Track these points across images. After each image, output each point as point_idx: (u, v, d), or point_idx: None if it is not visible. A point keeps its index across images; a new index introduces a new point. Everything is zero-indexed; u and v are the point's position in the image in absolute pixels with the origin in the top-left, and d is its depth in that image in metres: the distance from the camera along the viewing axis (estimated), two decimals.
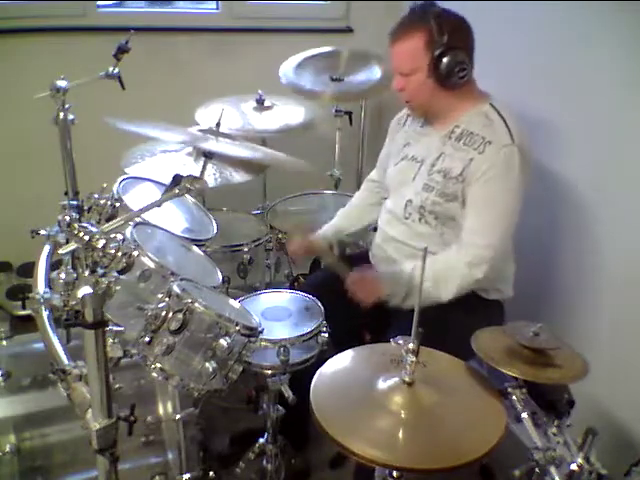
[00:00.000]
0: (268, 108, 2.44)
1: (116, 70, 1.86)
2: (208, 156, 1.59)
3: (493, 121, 1.70)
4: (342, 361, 1.30)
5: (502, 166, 1.66)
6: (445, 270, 1.70)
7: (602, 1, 1.78)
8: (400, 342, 1.25)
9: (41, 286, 1.43)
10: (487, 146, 1.67)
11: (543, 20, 2.05)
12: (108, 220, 1.56)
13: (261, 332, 1.42)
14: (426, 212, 1.78)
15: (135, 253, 1.31)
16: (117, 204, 1.61)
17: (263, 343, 1.50)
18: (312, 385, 1.19)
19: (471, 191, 1.70)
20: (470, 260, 1.69)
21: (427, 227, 1.79)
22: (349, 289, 1.75)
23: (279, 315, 1.68)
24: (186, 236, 1.70)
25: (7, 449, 1.39)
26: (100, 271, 1.02)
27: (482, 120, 1.72)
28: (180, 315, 1.26)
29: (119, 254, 1.05)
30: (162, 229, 1.62)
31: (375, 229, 2.10)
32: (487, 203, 1.69)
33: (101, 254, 1.02)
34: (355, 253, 2.40)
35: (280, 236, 2.36)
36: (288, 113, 2.45)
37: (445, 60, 1.65)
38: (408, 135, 1.91)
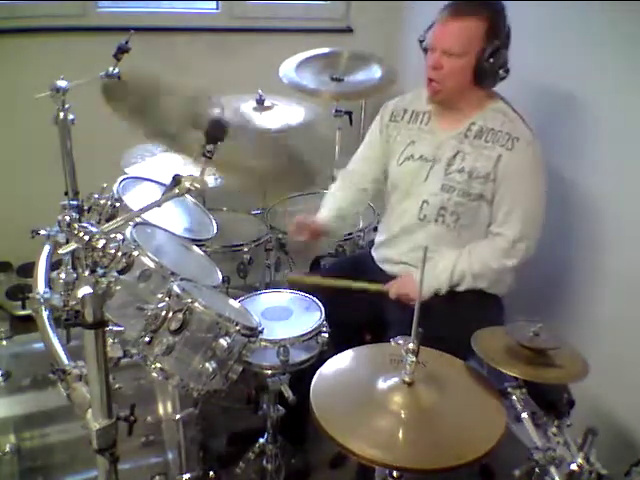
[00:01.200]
0: (268, 108, 2.44)
1: (116, 70, 1.86)
2: (208, 156, 1.59)
3: (511, 118, 1.71)
4: (342, 361, 1.30)
5: (532, 161, 1.70)
6: (482, 264, 1.75)
7: (604, 1, 1.78)
8: (400, 342, 1.25)
9: (41, 286, 1.43)
10: (515, 142, 1.68)
11: (545, 19, 2.05)
12: (108, 220, 1.56)
13: (261, 332, 1.42)
14: (447, 213, 1.77)
15: (135, 253, 1.31)
16: (117, 204, 1.61)
17: (263, 343, 1.50)
18: (312, 385, 1.19)
19: (504, 187, 1.71)
20: (506, 249, 1.73)
21: (443, 228, 1.79)
22: (395, 298, 1.77)
23: (279, 315, 1.68)
24: (186, 236, 1.70)
25: (7, 449, 1.38)
26: (100, 271, 1.02)
27: (500, 117, 1.72)
28: (180, 315, 1.26)
29: (119, 254, 1.04)
30: (162, 229, 1.62)
31: (375, 229, 2.11)
32: (522, 198, 1.72)
33: (101, 254, 1.02)
34: (355, 253, 2.40)
35: (280, 236, 2.37)
36: (288, 113, 2.45)
37: (494, 57, 1.64)
38: (412, 133, 1.87)
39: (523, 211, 1.72)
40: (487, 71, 1.65)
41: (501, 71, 1.67)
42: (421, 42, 1.77)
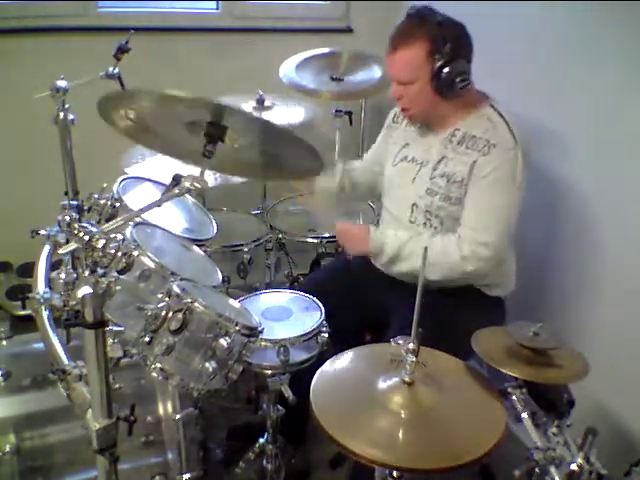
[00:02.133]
0: (268, 108, 2.44)
1: (116, 70, 1.86)
2: (208, 156, 1.59)
3: (495, 123, 1.70)
4: (342, 361, 1.30)
5: (506, 169, 1.66)
6: (439, 255, 1.71)
7: (603, 1, 1.78)
8: (400, 342, 1.25)
9: (41, 286, 1.42)
10: (492, 148, 1.67)
11: (542, 20, 2.05)
12: (108, 220, 1.56)
13: (261, 332, 1.42)
14: (432, 216, 1.78)
15: (135, 253, 1.30)
16: (117, 204, 1.61)
17: (263, 343, 1.50)
18: (312, 385, 1.19)
19: (473, 189, 1.70)
20: (466, 255, 1.70)
21: (431, 231, 1.79)
22: (337, 237, 1.82)
23: (279, 315, 1.68)
24: (186, 236, 1.70)
25: (7, 449, 1.38)
26: (100, 271, 1.02)
27: (484, 123, 1.71)
28: (180, 315, 1.26)
29: (119, 254, 1.04)
30: (162, 229, 1.62)
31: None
32: (489, 204, 1.70)
33: (101, 254, 1.02)
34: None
35: (280, 236, 2.37)
36: (288, 113, 2.45)
37: (446, 70, 1.64)
38: (407, 135, 1.90)
39: (487, 220, 1.70)
40: (444, 85, 1.67)
41: (457, 81, 1.66)
42: None
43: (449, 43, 1.63)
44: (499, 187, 1.68)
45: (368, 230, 1.82)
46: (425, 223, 1.80)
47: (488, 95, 1.78)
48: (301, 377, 1.46)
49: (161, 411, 1.52)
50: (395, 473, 1.20)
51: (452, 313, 1.69)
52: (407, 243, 1.76)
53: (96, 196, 1.63)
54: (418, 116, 1.81)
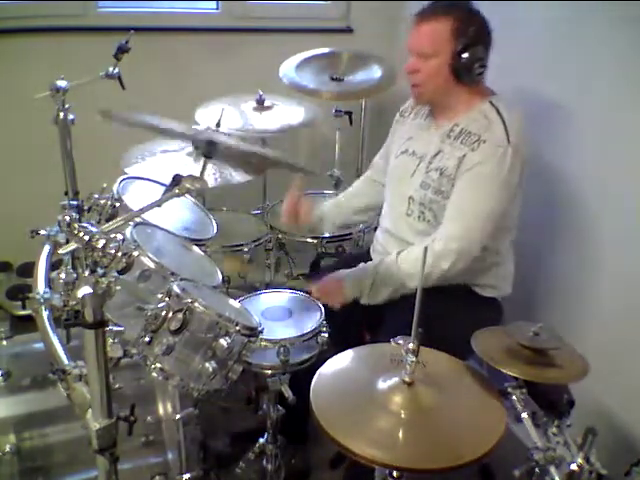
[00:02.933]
0: (268, 108, 2.44)
1: (116, 70, 1.86)
2: (208, 156, 1.59)
3: (491, 120, 1.70)
4: (342, 361, 1.30)
5: (492, 164, 1.66)
6: (414, 261, 1.70)
7: (605, 1, 1.78)
8: (400, 342, 1.25)
9: (41, 286, 1.42)
10: (481, 144, 1.68)
11: (544, 18, 2.05)
12: (108, 220, 1.56)
13: (261, 332, 1.42)
14: (426, 209, 1.79)
15: (135, 253, 1.30)
16: (117, 204, 1.61)
17: (263, 343, 1.50)
18: (312, 385, 1.19)
19: (457, 183, 1.70)
20: (438, 251, 1.68)
21: (426, 224, 1.80)
22: (316, 298, 1.75)
23: (279, 315, 1.68)
24: (186, 236, 1.70)
25: (7, 449, 1.39)
26: (100, 271, 1.02)
27: (481, 119, 1.72)
28: (180, 315, 1.26)
29: (119, 254, 1.04)
30: (162, 229, 1.61)
31: (376, 229, 2.10)
32: (469, 198, 1.69)
33: (101, 254, 1.02)
34: (355, 253, 2.40)
35: (280, 236, 2.37)
36: (288, 113, 2.45)
37: (467, 53, 1.66)
38: (411, 128, 1.91)
39: (464, 216, 1.69)
40: (463, 68, 1.68)
41: (476, 66, 1.68)
42: None
43: (473, 27, 1.66)
44: (479, 182, 1.67)
45: (341, 279, 1.79)
46: (419, 216, 1.80)
47: (493, 91, 1.78)
48: (301, 377, 1.46)
49: (161, 411, 1.52)
50: (395, 473, 1.20)
51: (442, 312, 1.69)
52: (378, 271, 1.76)
53: (96, 196, 1.63)
54: (427, 95, 1.79)
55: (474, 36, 1.66)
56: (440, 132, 1.79)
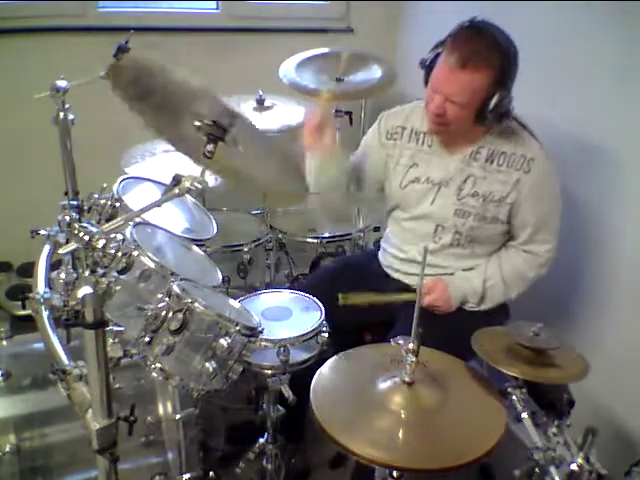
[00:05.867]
0: (268, 108, 2.44)
1: None
2: (208, 156, 1.59)
3: (522, 135, 1.69)
4: (342, 361, 1.30)
5: (550, 178, 1.70)
6: (515, 274, 1.77)
7: (602, 1, 1.78)
8: (400, 342, 1.25)
9: (41, 286, 1.42)
10: (531, 163, 1.66)
11: (542, 20, 2.05)
12: (108, 220, 1.56)
13: (261, 332, 1.42)
14: (462, 237, 1.76)
15: (135, 253, 1.31)
16: (117, 204, 1.61)
17: (263, 343, 1.50)
18: (312, 385, 1.19)
19: (526, 207, 1.70)
20: (543, 262, 1.77)
21: (460, 249, 1.79)
22: (429, 308, 1.74)
23: (279, 315, 1.68)
24: (186, 236, 1.70)
25: (7, 449, 1.38)
26: (100, 271, 1.02)
27: (511, 136, 1.69)
28: (180, 315, 1.26)
29: (119, 254, 1.05)
30: (162, 229, 1.61)
31: (376, 229, 2.10)
32: (546, 210, 1.73)
33: (101, 254, 1.02)
34: (356, 254, 2.41)
35: (280, 236, 2.37)
36: (288, 113, 2.45)
37: (499, 104, 1.57)
38: (413, 154, 1.80)
39: (549, 227, 1.74)
40: (493, 116, 1.60)
41: (503, 115, 1.61)
42: (423, 63, 1.68)
43: (512, 76, 1.58)
44: (547, 196, 1.71)
45: (446, 288, 1.77)
46: (452, 243, 1.77)
47: None
48: (301, 377, 1.46)
49: (161, 411, 1.52)
50: (395, 473, 1.21)
51: (454, 314, 1.69)
52: (486, 270, 1.78)
53: (96, 196, 1.63)
54: (445, 133, 1.71)
55: (511, 85, 1.58)
56: (459, 157, 1.73)
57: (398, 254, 1.89)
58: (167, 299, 1.28)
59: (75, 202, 1.70)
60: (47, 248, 1.55)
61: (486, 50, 1.53)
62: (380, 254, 2.00)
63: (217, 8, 2.92)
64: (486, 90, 1.56)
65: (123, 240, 1.08)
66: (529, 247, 1.76)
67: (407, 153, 1.81)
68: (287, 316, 1.68)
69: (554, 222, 1.75)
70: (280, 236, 2.37)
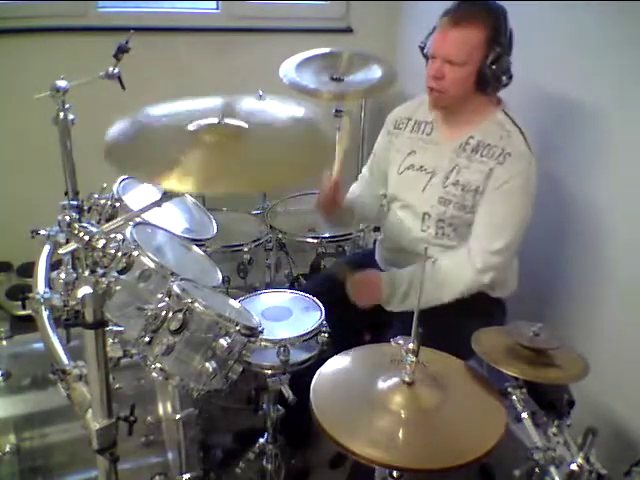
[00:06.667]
0: None
1: (116, 70, 1.86)
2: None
3: (510, 131, 1.68)
4: (342, 361, 1.30)
5: (520, 178, 1.65)
6: (451, 274, 1.71)
7: (609, 1, 1.78)
8: (400, 342, 1.25)
9: (41, 286, 1.43)
10: (507, 157, 1.65)
11: (543, 19, 2.05)
12: (108, 220, 1.56)
13: (261, 332, 1.42)
14: (445, 225, 1.76)
15: (135, 253, 1.31)
16: (117, 204, 1.61)
17: (263, 343, 1.50)
18: (312, 385, 1.19)
19: (486, 199, 1.68)
20: (480, 267, 1.69)
21: (446, 239, 1.78)
22: (350, 291, 1.74)
23: (279, 315, 1.68)
24: (186, 236, 1.71)
25: (7, 449, 1.38)
26: (100, 271, 1.02)
27: (498, 130, 1.69)
28: (180, 315, 1.26)
29: (119, 254, 1.04)
30: (162, 229, 1.62)
31: (376, 229, 2.10)
32: (503, 212, 1.68)
33: (101, 254, 1.02)
34: (356, 253, 2.41)
35: (280, 236, 2.37)
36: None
37: (497, 64, 1.60)
38: (413, 142, 1.84)
39: (499, 226, 1.68)
40: (490, 78, 1.62)
41: (504, 77, 1.64)
42: (422, 48, 1.74)
43: (506, 35, 1.60)
44: (512, 197, 1.66)
45: (378, 279, 1.78)
46: (437, 232, 1.77)
47: (501, 99, 1.75)
48: (301, 377, 1.46)
49: (161, 411, 1.52)
50: (395, 473, 1.20)
51: (452, 314, 1.69)
52: (413, 280, 1.73)
53: (96, 196, 1.63)
54: (446, 101, 1.71)
55: (506, 45, 1.60)
56: (452, 146, 1.75)
57: (390, 245, 1.93)
58: (167, 299, 1.28)
59: (75, 202, 1.70)
60: (47, 248, 1.55)
61: (477, 9, 1.61)
62: (377, 254, 2.02)
63: (217, 8, 2.92)
64: (481, 48, 1.60)
65: (123, 240, 1.07)
66: (474, 243, 1.71)
67: (408, 142, 1.85)
68: (287, 316, 1.68)
69: (506, 225, 1.68)
70: (280, 236, 2.36)
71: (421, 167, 1.80)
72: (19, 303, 2.57)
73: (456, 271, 1.71)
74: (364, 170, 2.09)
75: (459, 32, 1.60)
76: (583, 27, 1.90)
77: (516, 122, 1.70)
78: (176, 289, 1.29)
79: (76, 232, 1.01)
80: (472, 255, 1.70)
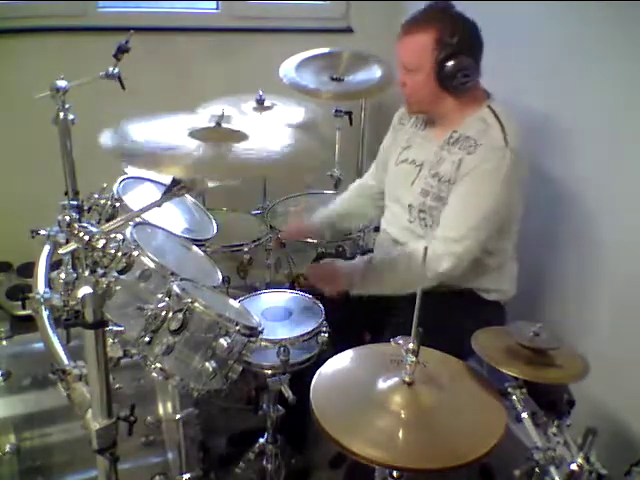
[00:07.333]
0: (268, 108, 2.44)
1: (116, 70, 1.86)
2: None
3: (489, 125, 1.69)
4: (342, 361, 1.30)
5: (490, 165, 1.64)
6: (409, 262, 1.69)
7: (604, 1, 1.78)
8: (400, 342, 1.25)
9: (41, 286, 1.42)
10: (477, 147, 1.67)
11: (544, 19, 2.05)
12: (108, 220, 1.56)
13: (261, 332, 1.42)
14: (427, 215, 1.78)
15: (135, 253, 1.30)
16: (117, 204, 1.61)
17: (263, 343, 1.50)
18: (312, 385, 1.19)
19: (454, 188, 1.70)
20: (440, 253, 1.66)
21: (428, 230, 1.79)
22: (309, 280, 1.78)
23: (279, 315, 1.68)
24: (186, 236, 1.70)
25: (7, 449, 1.38)
26: (100, 271, 1.02)
27: (479, 125, 1.70)
28: (180, 315, 1.26)
29: (119, 254, 1.04)
30: (162, 229, 1.62)
31: (376, 229, 2.10)
32: (468, 199, 1.68)
33: (101, 254, 1.02)
34: (356, 253, 2.40)
35: (280, 236, 2.36)
36: (288, 113, 2.45)
37: (450, 63, 1.64)
38: (409, 137, 1.90)
39: (461, 213, 1.68)
40: (446, 78, 1.66)
41: (459, 75, 1.65)
42: None
43: (457, 36, 1.63)
44: (477, 183, 1.66)
45: (336, 265, 1.80)
46: (421, 223, 1.80)
47: (490, 94, 1.77)
48: (301, 377, 1.46)
49: (161, 411, 1.52)
50: (395, 473, 1.20)
51: (448, 316, 1.68)
52: (371, 261, 1.77)
53: (96, 196, 1.63)
54: (416, 107, 1.81)
55: (456, 45, 1.63)
56: (439, 141, 1.78)
57: (385, 236, 1.96)
58: (167, 299, 1.28)
59: (75, 202, 1.70)
60: (47, 248, 1.55)
61: (426, 16, 1.69)
62: (375, 250, 2.03)
63: (217, 8, 2.92)
64: (431, 50, 1.65)
65: (123, 240, 1.07)
66: (438, 230, 1.70)
67: (407, 136, 1.91)
68: (287, 316, 1.68)
69: (470, 214, 1.66)
70: (280, 236, 2.36)
71: (413, 161, 1.85)
72: (19, 303, 2.57)
73: (414, 259, 1.67)
74: (372, 165, 2.15)
75: (408, 39, 1.69)
76: (589, 22, 1.90)
77: (499, 116, 1.69)
78: (176, 289, 1.29)
79: (76, 232, 1.01)
80: (433, 242, 1.68)
